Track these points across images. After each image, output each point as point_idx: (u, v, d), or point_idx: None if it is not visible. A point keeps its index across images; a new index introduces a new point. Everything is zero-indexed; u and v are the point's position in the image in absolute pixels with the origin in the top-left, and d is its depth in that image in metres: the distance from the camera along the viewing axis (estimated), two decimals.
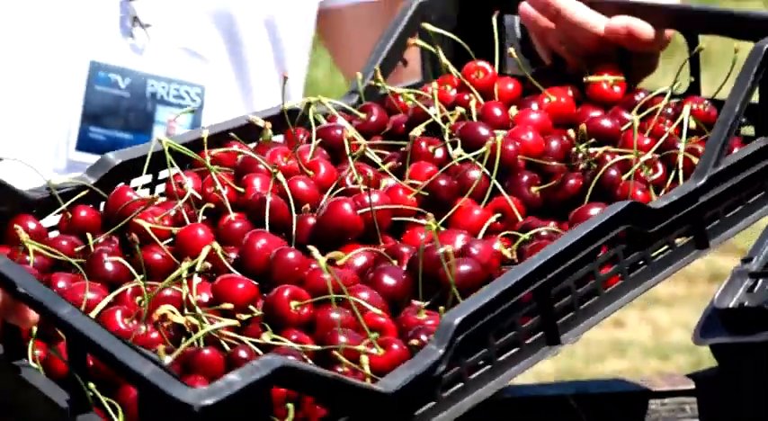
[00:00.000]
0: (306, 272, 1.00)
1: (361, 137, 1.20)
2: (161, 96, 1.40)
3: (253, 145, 1.22)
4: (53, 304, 0.84)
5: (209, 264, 1.02)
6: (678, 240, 1.06)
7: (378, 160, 1.18)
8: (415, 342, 0.91)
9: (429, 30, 1.35)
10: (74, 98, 1.35)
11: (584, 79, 1.26)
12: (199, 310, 0.95)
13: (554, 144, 1.17)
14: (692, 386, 1.36)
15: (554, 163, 1.15)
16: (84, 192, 1.14)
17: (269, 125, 1.21)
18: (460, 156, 1.16)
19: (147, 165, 1.16)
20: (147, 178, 1.18)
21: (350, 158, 1.16)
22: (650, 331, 4.22)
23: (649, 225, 1.01)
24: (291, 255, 1.01)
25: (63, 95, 1.38)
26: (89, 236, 1.09)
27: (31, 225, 1.10)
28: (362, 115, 1.27)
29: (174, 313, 0.94)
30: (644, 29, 1.20)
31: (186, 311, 0.96)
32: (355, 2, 1.54)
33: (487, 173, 1.12)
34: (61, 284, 1.02)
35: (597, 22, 1.21)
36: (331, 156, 1.20)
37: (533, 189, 1.12)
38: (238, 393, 0.77)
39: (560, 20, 1.24)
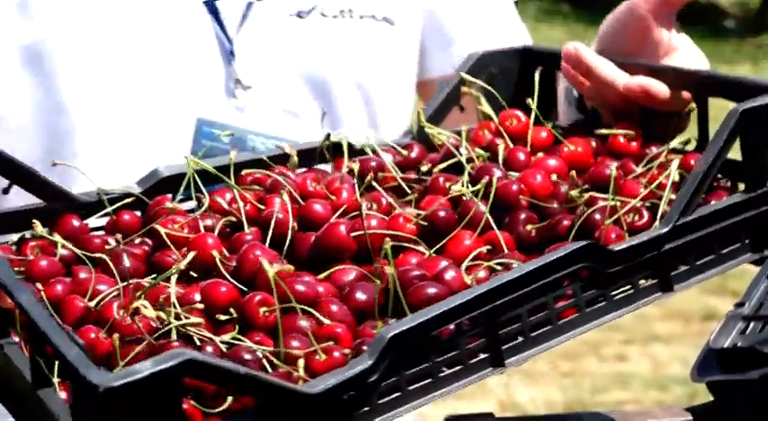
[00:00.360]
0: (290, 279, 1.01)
1: (399, 171, 1.24)
2: (260, 150, 1.44)
3: (301, 170, 1.29)
4: (15, 290, 0.90)
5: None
6: (642, 281, 1.08)
7: (407, 189, 1.24)
8: (346, 351, 0.95)
9: (467, 79, 1.39)
10: (181, 150, 1.38)
11: (597, 132, 1.30)
12: (178, 308, 0.99)
13: (563, 188, 1.20)
14: (689, 418, 1.36)
15: (555, 205, 1.18)
16: (130, 199, 1.20)
17: (294, 152, 1.28)
18: (459, 190, 1.18)
19: (186, 180, 1.22)
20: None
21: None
22: (650, 365, 4.35)
23: (608, 265, 1.03)
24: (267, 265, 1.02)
25: (172, 147, 1.43)
26: (119, 236, 1.15)
27: (75, 222, 1.17)
28: (405, 152, 1.31)
29: (146, 307, 0.97)
30: (659, 89, 1.21)
31: (165, 308, 0.99)
32: (446, 74, 1.53)
33: (483, 207, 1.14)
34: (82, 275, 1.08)
35: (621, 80, 1.23)
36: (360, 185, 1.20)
37: (529, 227, 1.15)
38: (143, 379, 0.79)
39: (591, 76, 1.26)
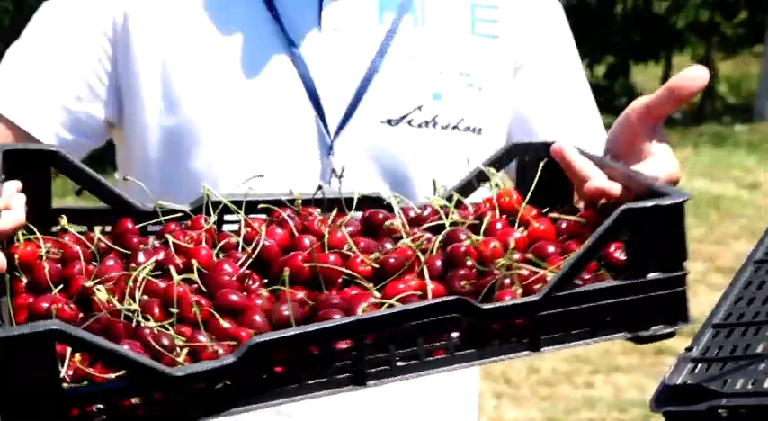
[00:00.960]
0: (227, 290, 1.05)
1: (408, 226, 1.19)
2: None
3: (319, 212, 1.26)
4: None
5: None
6: (514, 338, 1.04)
7: (409, 242, 1.16)
8: (220, 350, 0.96)
9: (483, 169, 1.30)
10: None
11: (549, 215, 1.23)
12: (134, 298, 1.02)
13: (516, 256, 1.11)
14: None
15: (492, 267, 1.09)
16: (178, 214, 1.22)
17: (300, 199, 1.24)
18: (406, 244, 1.15)
19: (220, 207, 1.23)
20: (234, 217, 1.24)
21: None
22: (612, 390, 4.62)
23: (479, 318, 1.00)
24: (225, 279, 1.07)
25: None
26: (152, 239, 1.19)
27: (129, 225, 1.19)
28: (419, 211, 1.25)
29: (100, 291, 1.01)
30: (613, 192, 1.15)
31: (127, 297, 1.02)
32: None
33: (422, 258, 1.11)
34: (110, 263, 1.12)
35: (590, 180, 1.18)
36: (371, 232, 1.21)
37: (463, 282, 1.07)
38: (18, 337, 0.84)
39: (569, 172, 1.21)
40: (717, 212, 6.34)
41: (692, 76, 1.15)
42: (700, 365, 1.10)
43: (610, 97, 9.25)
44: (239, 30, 1.44)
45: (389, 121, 1.44)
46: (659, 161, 1.20)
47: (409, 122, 1.44)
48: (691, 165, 7.53)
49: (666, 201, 1.04)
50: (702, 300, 5.09)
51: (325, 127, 1.42)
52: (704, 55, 8.86)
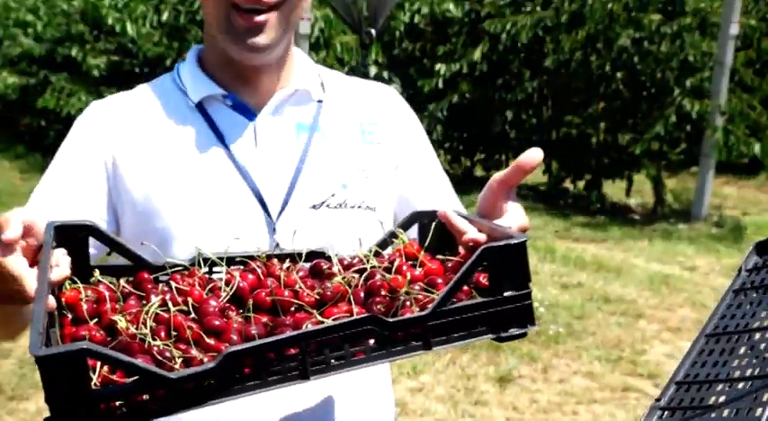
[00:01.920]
0: (211, 318, 1.08)
1: (342, 270, 1.22)
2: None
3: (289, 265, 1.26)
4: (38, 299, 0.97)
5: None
6: (413, 342, 1.04)
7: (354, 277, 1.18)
8: (205, 359, 1.01)
9: (395, 230, 1.34)
10: None
11: (437, 257, 1.23)
12: (146, 325, 1.04)
13: (416, 287, 1.12)
14: None
15: (398, 294, 1.10)
16: (180, 267, 1.24)
17: (264, 255, 1.25)
18: (338, 282, 1.16)
19: (196, 260, 1.24)
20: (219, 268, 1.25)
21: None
22: (592, 417, 4.43)
23: (387, 329, 1.02)
24: (211, 310, 1.10)
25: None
26: (161, 285, 1.19)
27: (145, 275, 1.21)
28: (349, 259, 1.25)
29: (121, 321, 1.05)
30: (480, 240, 1.14)
31: (141, 321, 1.05)
32: None
33: (349, 290, 1.14)
34: (131, 302, 1.13)
35: (465, 233, 1.18)
36: (317, 275, 1.22)
37: (378, 306, 1.09)
38: (57, 355, 0.87)
39: (451, 228, 1.22)
40: (666, 287, 6.36)
41: (531, 156, 1.24)
42: (666, 413, 1.14)
43: (587, 204, 9.25)
44: (198, 156, 1.45)
45: (314, 206, 1.46)
46: (512, 215, 1.27)
47: (327, 205, 1.47)
48: (647, 252, 7.60)
49: (513, 242, 1.09)
50: (658, 350, 5.26)
51: (269, 215, 1.44)
52: (656, 174, 8.87)
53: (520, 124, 10.26)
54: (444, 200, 1.56)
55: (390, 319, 1.04)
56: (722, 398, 1.11)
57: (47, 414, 0.88)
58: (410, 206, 1.50)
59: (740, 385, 1.12)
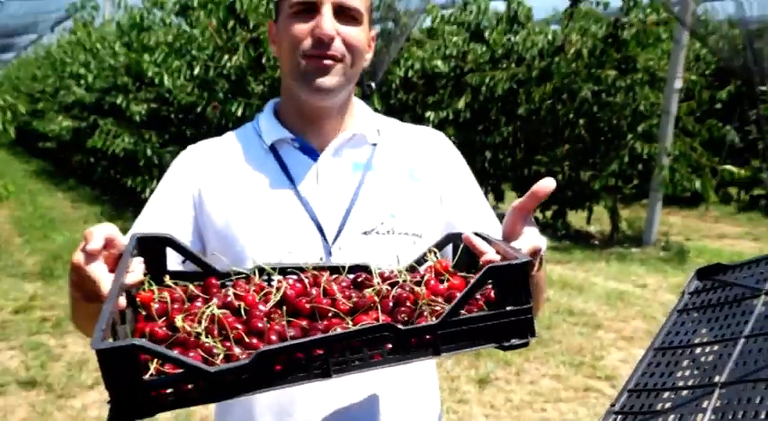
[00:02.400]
0: (256, 320, 1.07)
1: (381, 282, 1.18)
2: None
3: (336, 276, 1.24)
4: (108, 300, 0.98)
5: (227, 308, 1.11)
6: (423, 346, 1.01)
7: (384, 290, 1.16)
8: (243, 356, 1.00)
9: (431, 248, 1.29)
10: None
11: (460, 274, 1.21)
12: (200, 325, 1.04)
13: (439, 299, 1.10)
14: None
15: (420, 305, 1.09)
16: (242, 275, 1.23)
17: (311, 266, 1.22)
18: (370, 293, 1.15)
19: (253, 270, 1.23)
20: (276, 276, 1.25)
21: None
22: (558, 414, 4.37)
23: (400, 335, 1.00)
24: (257, 313, 1.09)
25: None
26: (224, 290, 1.17)
27: (213, 281, 1.21)
28: (388, 274, 1.22)
29: (178, 321, 1.05)
30: (495, 260, 1.11)
31: (202, 321, 1.05)
32: None
33: (377, 300, 1.12)
34: (197, 304, 1.13)
35: (485, 253, 1.14)
36: (358, 286, 1.19)
37: (403, 315, 1.07)
38: (113, 349, 0.87)
39: (473, 248, 1.20)
40: (621, 302, 6.35)
41: (544, 184, 1.21)
42: (620, 417, 1.14)
43: (554, 231, 9.25)
44: (269, 191, 1.46)
45: (365, 232, 1.44)
46: (527, 238, 1.22)
47: (377, 232, 1.45)
48: (605, 272, 7.60)
49: (514, 262, 1.06)
50: (614, 356, 5.26)
51: (325, 240, 1.42)
52: (612, 205, 8.88)
53: (497, 163, 10.25)
54: (483, 223, 1.51)
55: (403, 327, 1.02)
56: (668, 405, 1.11)
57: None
58: (455, 230, 1.45)
59: (684, 393, 1.12)
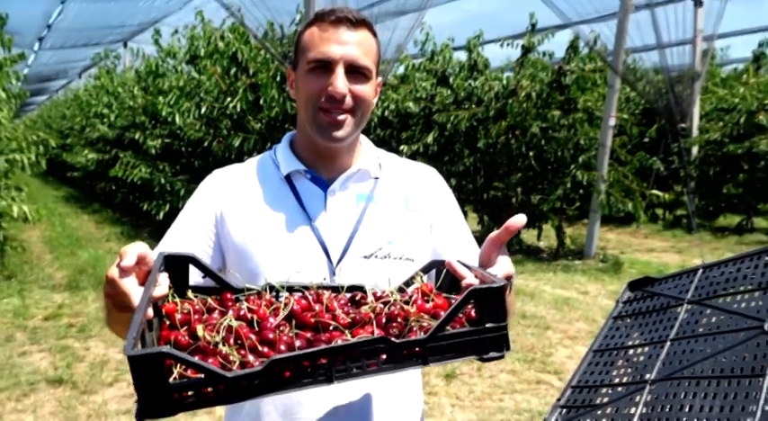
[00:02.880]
0: (267, 331, 1.06)
1: (374, 301, 1.17)
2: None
3: (336, 295, 1.22)
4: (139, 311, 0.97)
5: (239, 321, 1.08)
6: (413, 357, 1.00)
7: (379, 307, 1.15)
8: (256, 363, 0.99)
9: (417, 273, 1.29)
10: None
11: (444, 295, 1.20)
12: (219, 335, 1.02)
13: (426, 316, 1.10)
14: None
15: (409, 321, 1.08)
16: (255, 291, 1.22)
17: (315, 285, 1.21)
18: (365, 310, 1.14)
19: (263, 287, 1.21)
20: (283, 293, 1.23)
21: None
22: (513, 403, 4.31)
23: (393, 347, 0.99)
24: (268, 325, 1.07)
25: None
26: (238, 304, 1.16)
27: (228, 296, 1.20)
28: (380, 294, 1.21)
29: (201, 331, 1.02)
30: (474, 284, 1.12)
31: (221, 331, 1.03)
32: None
33: (372, 316, 1.12)
34: (215, 315, 1.12)
35: (465, 278, 1.16)
36: (355, 303, 1.18)
37: (394, 330, 1.06)
38: (143, 356, 0.86)
39: (455, 273, 1.20)
40: (567, 306, 6.37)
41: (517, 220, 1.22)
42: (564, 411, 1.15)
43: (509, 246, 9.10)
44: (283, 215, 1.43)
45: (365, 256, 1.41)
46: (501, 265, 1.23)
47: (376, 256, 1.41)
48: (553, 281, 7.63)
49: (493, 286, 1.06)
50: (561, 353, 5.28)
51: (331, 262, 1.39)
52: (558, 224, 8.88)
53: (461, 189, 10.24)
54: (465, 251, 1.49)
55: (396, 341, 1.01)
56: (606, 400, 1.11)
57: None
58: (440, 256, 1.45)
59: (619, 389, 1.12)
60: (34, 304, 6.62)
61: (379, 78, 1.51)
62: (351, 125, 1.44)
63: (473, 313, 1.10)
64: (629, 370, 1.16)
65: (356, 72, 1.41)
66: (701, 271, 1.32)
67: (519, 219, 1.23)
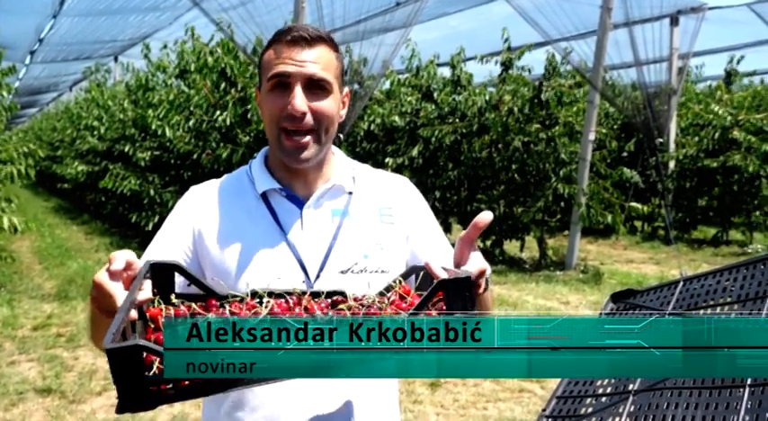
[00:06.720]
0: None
1: (354, 303, 1.21)
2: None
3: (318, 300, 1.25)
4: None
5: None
6: None
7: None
8: None
9: (396, 277, 1.32)
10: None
11: (418, 292, 1.26)
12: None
13: (402, 313, 1.12)
14: None
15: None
16: (239, 298, 1.22)
17: (297, 291, 1.23)
18: (357, 307, 1.19)
19: (249, 294, 1.23)
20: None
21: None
22: (497, 412, 4.30)
23: None
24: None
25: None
26: (221, 309, 1.18)
27: (213, 302, 1.21)
28: (360, 298, 1.24)
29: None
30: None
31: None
32: None
33: (348, 314, 1.14)
34: (210, 315, 1.12)
35: (439, 275, 1.15)
36: (334, 306, 1.21)
37: None
38: (118, 349, 0.87)
39: (432, 274, 1.18)
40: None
41: (483, 217, 1.23)
42: (549, 420, 1.15)
43: (492, 257, 9.25)
44: (260, 233, 1.43)
45: (342, 271, 1.41)
46: (473, 261, 1.23)
47: (352, 271, 1.42)
48: (535, 291, 7.66)
49: (460, 276, 1.09)
50: None
51: (308, 278, 1.39)
52: (540, 236, 8.95)
53: (445, 201, 10.25)
54: (442, 256, 1.46)
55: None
56: (590, 410, 1.12)
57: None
58: (418, 262, 1.44)
59: (603, 399, 1.13)
60: (23, 314, 6.56)
61: (345, 89, 1.50)
62: (315, 146, 1.43)
63: (444, 304, 1.12)
64: (613, 380, 1.15)
65: (315, 87, 1.40)
66: (681, 283, 1.34)
67: (485, 216, 1.24)
